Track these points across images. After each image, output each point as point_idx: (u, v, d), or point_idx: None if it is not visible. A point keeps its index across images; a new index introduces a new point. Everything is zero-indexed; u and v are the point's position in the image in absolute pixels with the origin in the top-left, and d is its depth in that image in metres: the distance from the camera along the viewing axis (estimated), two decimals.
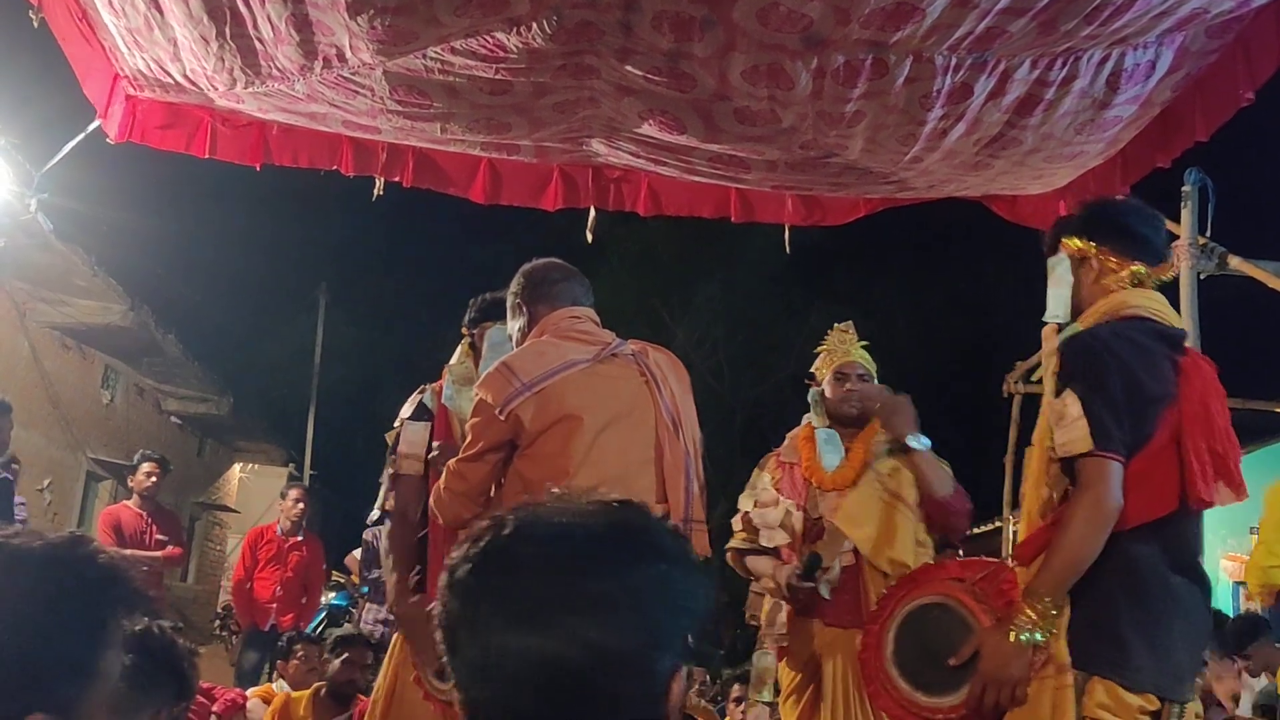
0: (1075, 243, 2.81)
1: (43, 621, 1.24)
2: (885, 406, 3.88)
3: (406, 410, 3.69)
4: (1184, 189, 5.52)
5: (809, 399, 4.20)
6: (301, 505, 8.16)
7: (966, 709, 2.53)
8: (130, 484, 7.88)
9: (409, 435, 3.62)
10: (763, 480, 4.15)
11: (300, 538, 8.10)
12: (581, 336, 3.09)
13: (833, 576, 3.81)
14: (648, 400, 3.03)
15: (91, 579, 1.31)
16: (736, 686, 5.53)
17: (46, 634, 1.24)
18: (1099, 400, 2.48)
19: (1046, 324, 2.90)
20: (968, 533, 4.07)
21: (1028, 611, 2.45)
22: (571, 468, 2.88)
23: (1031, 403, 7.84)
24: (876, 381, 4.12)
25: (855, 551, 3.86)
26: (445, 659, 1.13)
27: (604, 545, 1.11)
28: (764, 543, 4.04)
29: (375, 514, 4.08)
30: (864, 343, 4.18)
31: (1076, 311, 2.79)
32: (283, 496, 8.53)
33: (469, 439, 3.05)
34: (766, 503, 4.09)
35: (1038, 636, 2.44)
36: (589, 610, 1.07)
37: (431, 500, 3.19)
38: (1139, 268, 2.73)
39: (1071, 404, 2.50)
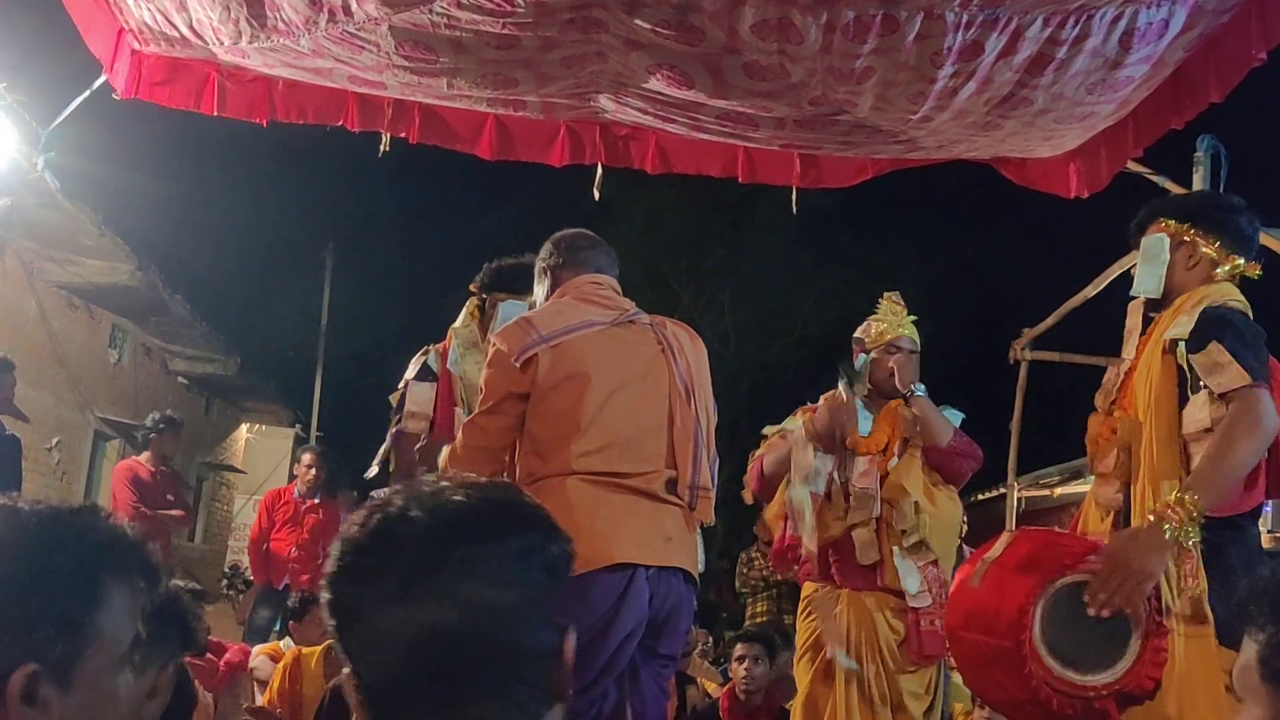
0: (1180, 227, 2.93)
1: (34, 573, 1.25)
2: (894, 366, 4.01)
3: (411, 371, 3.72)
4: (1196, 155, 5.47)
5: (859, 365, 4.23)
6: (314, 470, 8.18)
7: (1122, 683, 2.55)
8: (153, 447, 7.89)
9: (415, 395, 3.65)
10: (794, 423, 4.20)
11: (317, 500, 8.14)
12: (601, 301, 3.12)
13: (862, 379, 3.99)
14: (662, 366, 3.05)
15: (92, 539, 1.33)
16: (739, 646, 5.55)
17: (37, 586, 1.25)
18: (1242, 347, 2.64)
19: (1134, 298, 3.01)
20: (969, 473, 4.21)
21: (1178, 509, 2.54)
22: (582, 425, 2.90)
23: (1037, 370, 7.81)
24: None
25: (877, 518, 3.93)
26: (336, 643, 1.17)
27: (479, 516, 1.16)
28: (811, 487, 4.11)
29: (374, 470, 4.09)
30: (913, 316, 4.26)
31: (1167, 292, 2.91)
32: (297, 460, 8.55)
33: (484, 393, 3.03)
34: (797, 441, 4.12)
35: (1181, 536, 2.53)
36: (468, 573, 1.12)
37: (446, 464, 3.13)
38: (1239, 263, 2.89)
39: (1219, 352, 2.64)
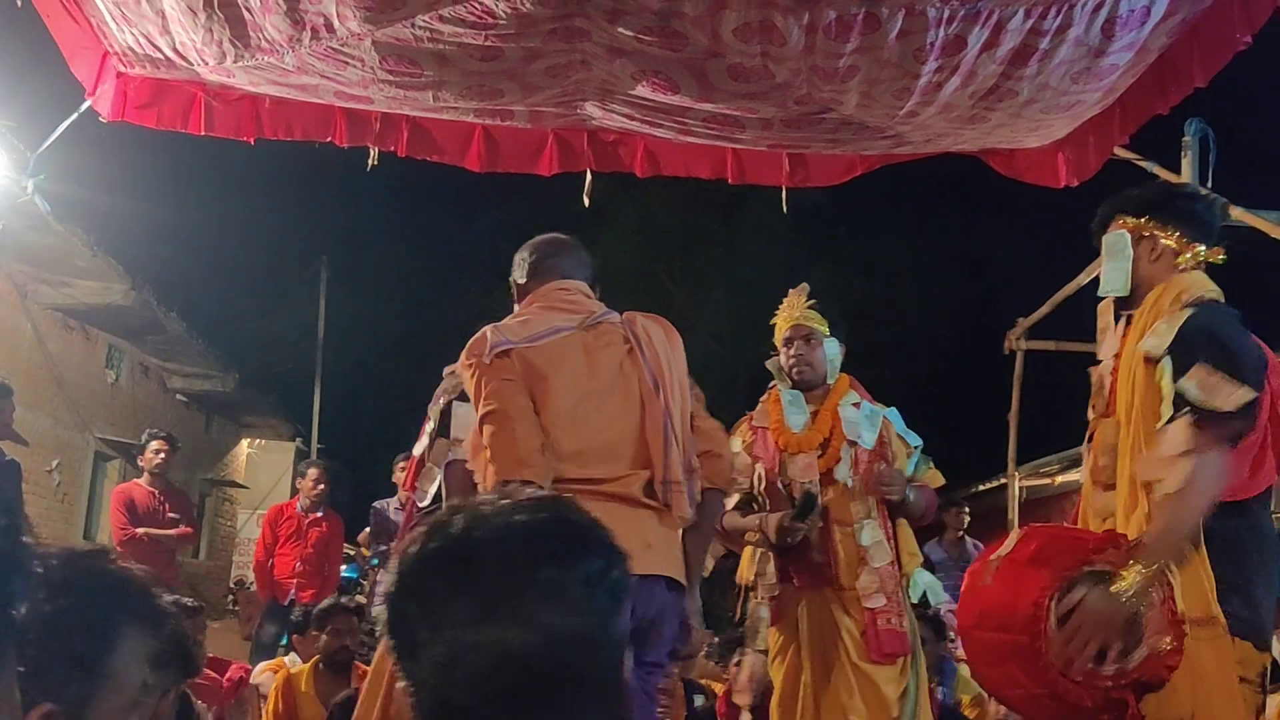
0: (1138, 221, 2.91)
1: (51, 615, 1.26)
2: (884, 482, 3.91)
3: (450, 385, 3.55)
4: (1185, 139, 5.49)
5: (768, 367, 4.20)
6: (322, 486, 8.18)
7: (1140, 672, 2.53)
8: (140, 463, 7.92)
9: (460, 418, 3.44)
10: (734, 444, 4.09)
11: (320, 514, 8.15)
12: (567, 306, 3.07)
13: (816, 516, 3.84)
14: (632, 366, 2.99)
15: (104, 581, 1.34)
16: (735, 652, 5.49)
17: (54, 627, 1.26)
18: (1229, 370, 2.60)
19: (1103, 298, 2.99)
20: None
21: (1134, 574, 2.50)
22: (554, 432, 2.85)
23: (1033, 359, 7.84)
24: (829, 335, 4.07)
25: (824, 514, 3.88)
26: (394, 664, 1.14)
27: (551, 538, 1.14)
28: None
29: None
30: (811, 301, 4.12)
31: (1135, 287, 2.89)
32: (301, 475, 8.53)
33: (480, 393, 2.90)
34: (740, 469, 4.04)
35: (1138, 603, 2.49)
36: (545, 598, 1.10)
37: (483, 470, 2.93)
38: (1200, 250, 2.86)
39: (1210, 373, 2.60)
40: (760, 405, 4.19)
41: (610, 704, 1.14)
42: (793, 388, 4.09)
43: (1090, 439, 3.03)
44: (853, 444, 3.94)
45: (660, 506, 2.91)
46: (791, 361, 4.05)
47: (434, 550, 1.14)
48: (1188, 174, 5.44)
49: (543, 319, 3.00)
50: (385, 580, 1.17)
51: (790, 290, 4.21)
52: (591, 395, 2.92)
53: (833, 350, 4.08)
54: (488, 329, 2.97)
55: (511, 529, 1.14)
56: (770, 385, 4.20)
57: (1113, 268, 2.92)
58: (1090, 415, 3.04)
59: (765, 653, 4.04)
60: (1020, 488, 8.89)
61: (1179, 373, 2.64)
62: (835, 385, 4.08)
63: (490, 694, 1.09)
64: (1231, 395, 2.58)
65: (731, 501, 4.08)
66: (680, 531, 3.02)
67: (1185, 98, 4.41)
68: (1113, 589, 2.51)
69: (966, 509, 8.05)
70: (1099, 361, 3.00)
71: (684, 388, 3.07)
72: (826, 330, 4.08)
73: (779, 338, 4.14)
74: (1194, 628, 2.57)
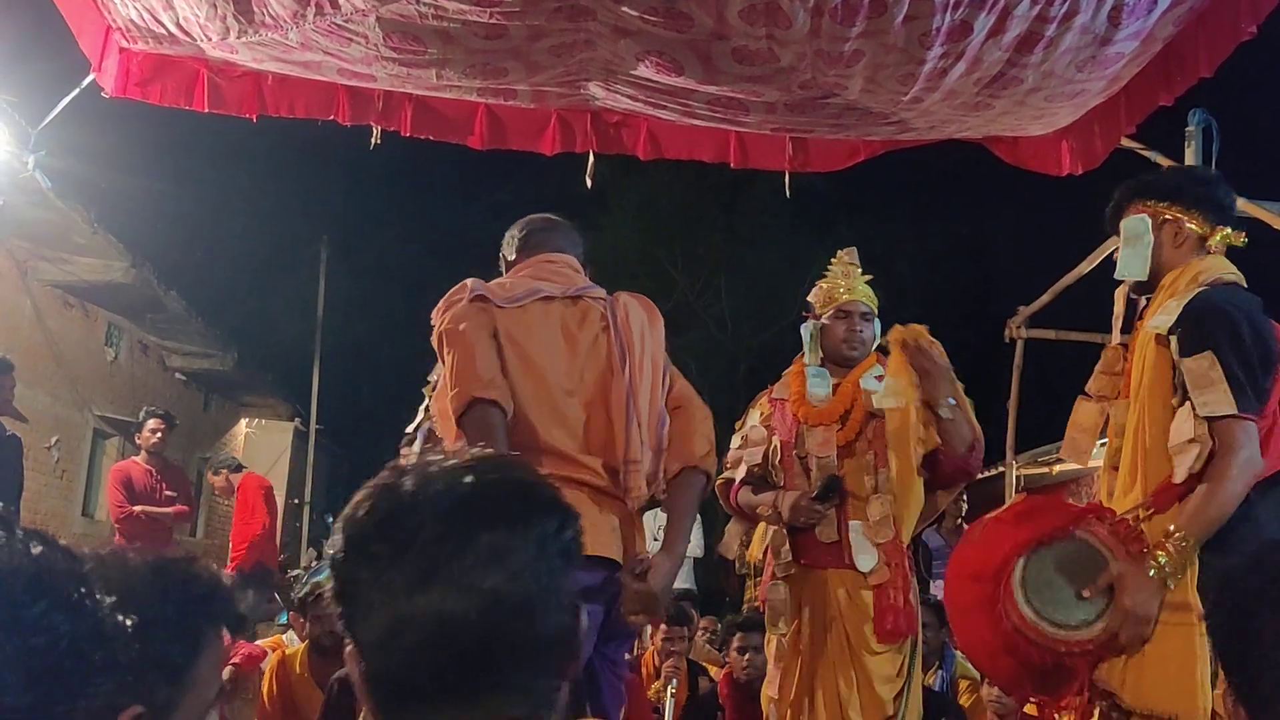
0: (1160, 206, 2.88)
1: (146, 621, 1.32)
2: (927, 370, 3.69)
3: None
4: (1188, 129, 5.46)
5: (803, 332, 4.07)
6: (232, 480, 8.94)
7: (1096, 644, 2.55)
8: (137, 441, 7.95)
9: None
10: (753, 418, 4.07)
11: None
12: (552, 275, 3.07)
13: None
14: (605, 343, 2.99)
15: (195, 590, 1.43)
16: (739, 635, 5.47)
17: (147, 633, 1.32)
18: (1236, 362, 2.59)
19: (1121, 282, 2.97)
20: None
21: (1170, 551, 2.53)
22: (531, 421, 2.84)
23: (1033, 348, 7.83)
24: (877, 315, 3.98)
25: (843, 494, 3.77)
26: (344, 630, 1.13)
27: (496, 501, 1.12)
28: (738, 474, 4.01)
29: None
30: (868, 276, 4.02)
31: (1154, 272, 2.86)
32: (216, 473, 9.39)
33: (444, 331, 2.88)
34: (756, 441, 4.00)
35: (1170, 578, 2.53)
36: (488, 563, 1.08)
37: (451, 436, 2.89)
38: (1227, 232, 2.86)
39: (1212, 366, 2.59)
40: (783, 377, 4.08)
41: (556, 663, 1.13)
42: (825, 362, 3.98)
43: (1079, 423, 3.03)
44: (873, 416, 3.80)
45: (622, 495, 2.91)
46: (848, 336, 3.93)
47: (380, 513, 1.11)
48: (1191, 164, 5.43)
49: (525, 284, 2.99)
50: (331, 543, 1.14)
51: (840, 253, 4.06)
52: (567, 378, 2.91)
53: (876, 329, 3.99)
54: (469, 279, 2.95)
55: (459, 490, 1.11)
56: (798, 356, 4.07)
57: (1131, 253, 2.89)
58: (1086, 390, 3.03)
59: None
60: (1018, 476, 8.90)
61: (1184, 350, 2.64)
62: (863, 361, 3.95)
63: (431, 660, 1.07)
64: (1213, 400, 2.57)
65: (739, 474, 4.03)
66: (637, 517, 2.99)
67: (1189, 88, 4.40)
68: (1148, 568, 2.53)
69: (965, 497, 8.06)
70: (1115, 346, 2.99)
71: (655, 366, 3.04)
72: (876, 307, 4.00)
73: (827, 303, 3.98)
74: (1168, 612, 2.56)
